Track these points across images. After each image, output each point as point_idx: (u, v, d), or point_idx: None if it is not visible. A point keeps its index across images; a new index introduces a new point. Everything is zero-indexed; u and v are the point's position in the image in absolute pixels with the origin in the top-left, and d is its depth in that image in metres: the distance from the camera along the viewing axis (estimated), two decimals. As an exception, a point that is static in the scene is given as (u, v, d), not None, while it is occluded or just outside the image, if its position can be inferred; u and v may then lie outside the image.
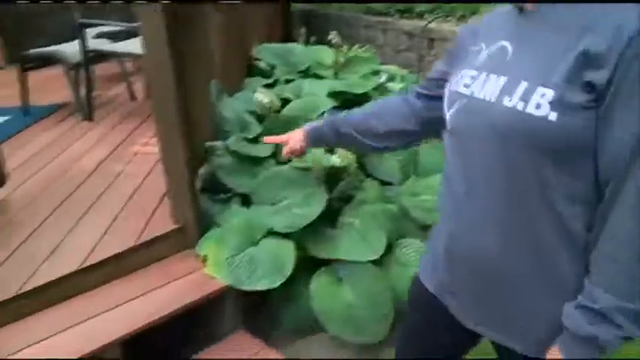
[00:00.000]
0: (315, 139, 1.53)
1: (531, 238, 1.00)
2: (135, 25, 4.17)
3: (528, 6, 1.01)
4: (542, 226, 0.98)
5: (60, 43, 4.03)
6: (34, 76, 4.07)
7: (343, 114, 1.51)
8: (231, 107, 2.78)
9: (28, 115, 3.84)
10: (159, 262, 2.28)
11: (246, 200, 2.48)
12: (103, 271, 2.16)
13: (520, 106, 0.93)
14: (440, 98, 1.16)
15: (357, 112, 1.49)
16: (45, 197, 2.74)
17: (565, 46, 0.92)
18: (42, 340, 1.89)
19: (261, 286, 2.13)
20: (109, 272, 2.17)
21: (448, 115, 1.10)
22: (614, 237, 0.92)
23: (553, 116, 0.90)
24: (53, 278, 2.07)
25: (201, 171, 2.42)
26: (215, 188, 2.46)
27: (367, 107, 1.52)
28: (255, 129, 2.71)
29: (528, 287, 1.03)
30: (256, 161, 2.57)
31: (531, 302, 1.03)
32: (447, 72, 1.19)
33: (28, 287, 2.03)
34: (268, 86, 3.23)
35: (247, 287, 2.13)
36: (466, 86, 1.06)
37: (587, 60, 0.89)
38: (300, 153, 1.60)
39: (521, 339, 1.06)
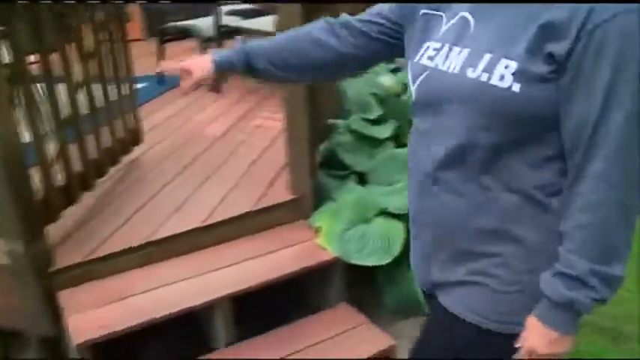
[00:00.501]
0: (223, 70, 1.31)
1: (494, 207, 1.00)
2: (263, 5, 4.38)
3: None
4: (505, 197, 0.99)
5: (196, 18, 4.28)
6: (171, 48, 4.34)
7: (256, 43, 1.32)
8: (355, 87, 2.83)
9: (163, 84, 4.11)
10: (274, 228, 2.38)
11: (362, 179, 2.52)
12: (223, 231, 2.29)
13: (484, 77, 0.93)
14: (375, 40, 1.19)
15: (272, 42, 1.31)
16: (173, 159, 2.94)
17: (527, 17, 0.91)
18: (163, 286, 2.05)
19: (369, 262, 2.17)
20: (228, 232, 2.30)
21: (413, 87, 1.08)
22: (584, 206, 0.93)
23: (516, 87, 0.90)
24: (178, 232, 2.23)
25: (322, 147, 2.49)
26: (333, 164, 2.53)
27: (283, 36, 1.33)
28: (376, 111, 2.74)
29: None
30: (375, 142, 2.61)
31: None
32: (390, 19, 1.17)
33: (156, 237, 2.20)
34: (393, 71, 3.25)
35: (356, 261, 2.17)
36: (430, 58, 1.04)
37: (548, 31, 0.88)
38: (210, 84, 1.37)
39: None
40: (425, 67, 1.05)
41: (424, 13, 1.11)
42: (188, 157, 2.93)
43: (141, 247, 2.16)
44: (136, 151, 2.94)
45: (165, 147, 3.10)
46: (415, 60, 1.09)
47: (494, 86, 0.92)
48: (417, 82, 1.07)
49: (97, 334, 1.83)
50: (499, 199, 1.00)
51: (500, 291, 1.04)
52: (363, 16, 1.24)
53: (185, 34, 4.28)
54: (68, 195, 2.29)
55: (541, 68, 0.90)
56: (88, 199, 2.45)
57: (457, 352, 1.12)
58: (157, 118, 3.53)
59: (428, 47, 1.06)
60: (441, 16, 1.07)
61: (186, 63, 1.32)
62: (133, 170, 2.82)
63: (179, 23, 4.28)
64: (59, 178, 2.23)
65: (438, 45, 1.04)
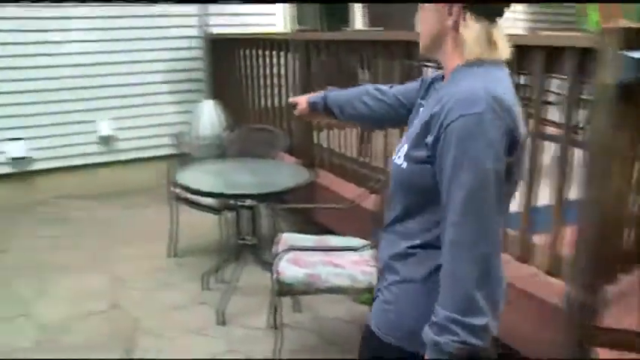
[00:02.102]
0: (312, 109, 1.92)
1: (396, 248, 1.37)
2: None
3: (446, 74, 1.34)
4: (402, 244, 1.36)
5: None
6: None
7: (334, 92, 1.89)
8: None
9: None
10: None
11: None
12: None
13: (398, 161, 1.33)
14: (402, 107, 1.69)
15: (343, 93, 1.87)
16: None
17: (427, 113, 1.26)
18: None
19: None
20: None
21: None
22: (444, 264, 1.20)
23: (404, 165, 1.30)
24: None
25: None
26: None
27: (351, 90, 1.87)
28: None
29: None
30: None
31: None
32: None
33: None
34: None
35: None
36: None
37: (428, 126, 1.24)
38: (307, 116, 1.97)
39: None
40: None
41: (419, 103, 1.46)
42: None
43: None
44: None
45: None
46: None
47: (399, 165, 1.32)
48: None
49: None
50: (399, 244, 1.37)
51: (384, 308, 1.38)
52: (401, 88, 1.71)
53: None
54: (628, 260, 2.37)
55: (420, 153, 1.25)
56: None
57: None
58: None
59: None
60: (422, 105, 1.39)
61: (296, 98, 2.02)
62: None
63: None
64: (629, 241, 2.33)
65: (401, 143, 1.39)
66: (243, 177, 3.38)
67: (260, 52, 4.93)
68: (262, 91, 4.95)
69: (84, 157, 5.75)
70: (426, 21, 1.35)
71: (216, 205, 3.55)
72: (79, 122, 5.64)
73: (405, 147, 1.30)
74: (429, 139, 1.21)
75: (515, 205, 2.42)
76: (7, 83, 5.30)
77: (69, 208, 5.25)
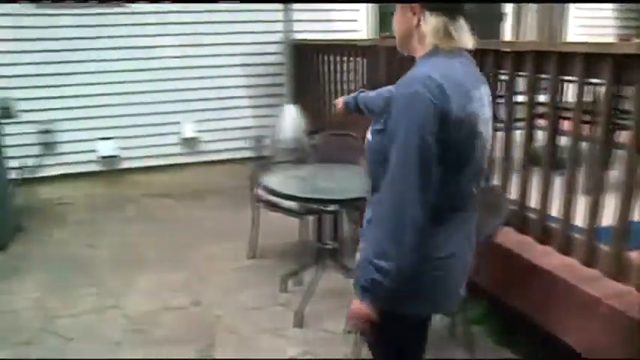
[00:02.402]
0: (346, 108, 2.52)
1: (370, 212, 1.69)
2: None
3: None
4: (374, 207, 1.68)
5: None
6: None
7: (364, 93, 2.46)
8: None
9: None
10: None
11: None
12: None
13: (369, 136, 1.65)
14: None
15: (372, 93, 2.40)
16: None
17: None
18: None
19: None
20: None
21: None
22: (374, 216, 1.61)
23: (370, 138, 1.62)
24: None
25: None
26: None
27: (380, 89, 2.36)
28: None
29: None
30: None
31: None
32: None
33: None
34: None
35: None
36: None
37: (387, 103, 1.55)
38: (343, 115, 2.59)
39: None
40: None
41: None
42: None
43: None
44: None
45: None
46: None
47: (368, 140, 1.64)
48: None
49: None
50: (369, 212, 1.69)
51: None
52: None
53: None
54: None
55: (379, 125, 1.57)
56: None
57: None
58: None
59: None
60: None
61: (338, 99, 2.59)
62: None
63: None
64: None
65: None
66: (327, 182, 3.43)
67: (341, 57, 5.02)
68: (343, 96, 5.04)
69: (168, 157, 6.01)
70: (397, 22, 1.64)
71: (298, 208, 3.62)
72: (164, 124, 5.90)
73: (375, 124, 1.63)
74: (386, 114, 1.53)
75: (608, 218, 2.38)
76: (101, 86, 5.61)
77: (154, 206, 5.48)
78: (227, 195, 5.66)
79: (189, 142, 6.09)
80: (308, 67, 5.81)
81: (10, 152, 5.27)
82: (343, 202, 3.20)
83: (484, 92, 1.59)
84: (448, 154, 1.47)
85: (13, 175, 5.44)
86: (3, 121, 5.31)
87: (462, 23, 1.57)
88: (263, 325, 3.33)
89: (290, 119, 5.57)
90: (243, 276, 3.96)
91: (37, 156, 5.65)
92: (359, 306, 1.55)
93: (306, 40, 5.81)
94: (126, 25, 5.61)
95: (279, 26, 5.71)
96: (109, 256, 4.35)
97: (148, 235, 4.74)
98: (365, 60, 4.56)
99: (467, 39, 1.57)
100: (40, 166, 5.68)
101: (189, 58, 5.89)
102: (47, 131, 5.59)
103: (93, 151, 5.67)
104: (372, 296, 1.51)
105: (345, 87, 5.02)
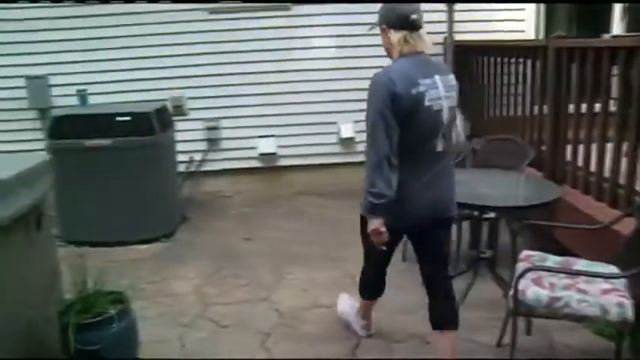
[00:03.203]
0: None
1: None
2: None
3: None
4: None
5: None
6: None
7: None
8: None
9: None
10: None
11: None
12: None
13: None
14: None
15: None
16: None
17: None
18: None
19: None
20: None
21: None
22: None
23: None
24: None
25: None
26: None
27: None
28: None
29: None
30: None
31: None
32: None
33: None
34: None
35: None
36: None
37: None
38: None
39: None
40: None
41: None
42: None
43: None
44: None
45: None
46: None
47: None
48: None
49: None
50: None
51: None
52: None
53: None
54: None
55: None
56: None
57: None
58: None
59: None
60: None
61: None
62: None
63: None
64: None
65: None
66: (487, 188, 3.25)
67: (503, 59, 4.75)
68: (506, 99, 4.74)
69: (325, 157, 6.09)
70: (382, 40, 2.53)
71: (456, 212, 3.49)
72: (322, 123, 5.98)
73: None
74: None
75: None
76: (262, 86, 5.84)
77: (307, 204, 5.59)
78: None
79: (347, 142, 6.11)
80: (468, 69, 5.58)
81: (180, 147, 5.68)
82: (504, 210, 3.00)
83: (439, 79, 2.42)
84: (400, 120, 2.32)
85: (182, 168, 5.85)
86: (176, 118, 5.74)
87: (420, 33, 2.44)
88: (410, 330, 3.23)
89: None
90: (395, 278, 3.83)
91: (203, 151, 6.00)
92: (371, 225, 2.44)
93: (467, 41, 5.59)
94: (285, 27, 5.77)
95: (443, 27, 5.51)
96: (264, 250, 4.49)
97: (300, 232, 4.84)
98: (530, 62, 4.26)
99: (422, 44, 2.45)
100: (205, 160, 6.03)
101: (347, 59, 5.92)
102: (213, 128, 5.92)
103: (253, 148, 5.90)
104: (372, 213, 2.41)
105: (507, 90, 4.74)
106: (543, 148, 3.98)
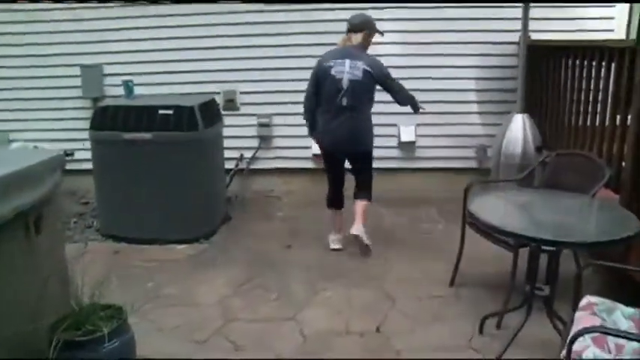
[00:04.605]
0: None
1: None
2: None
3: None
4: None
5: None
6: None
7: None
8: None
9: None
10: None
11: None
12: None
13: None
14: None
15: None
16: None
17: None
18: None
19: None
20: None
21: None
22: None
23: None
24: None
25: None
26: None
27: None
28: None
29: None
30: None
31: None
32: None
33: None
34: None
35: None
36: None
37: None
38: None
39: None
40: None
41: None
42: None
43: None
44: None
45: None
46: None
47: None
48: None
49: None
50: None
51: None
52: None
53: None
54: None
55: None
56: None
57: None
58: None
59: None
60: None
61: None
62: None
63: None
64: None
65: None
66: (550, 215, 2.75)
67: (587, 61, 4.11)
68: (583, 107, 4.12)
69: (382, 161, 5.66)
70: (368, 39, 4.16)
71: (512, 240, 2.99)
72: (381, 125, 5.50)
73: None
74: None
75: None
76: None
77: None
78: (439, 206, 5.20)
79: (406, 147, 5.68)
80: (544, 72, 4.97)
81: (231, 143, 5.43)
82: (563, 245, 2.51)
83: (349, 63, 3.97)
84: (318, 84, 4.05)
85: (231, 165, 5.60)
86: (226, 112, 5.49)
87: (355, 35, 4.10)
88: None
89: (518, 131, 4.76)
90: (438, 306, 3.45)
91: (254, 148, 5.73)
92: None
93: (544, 40, 5.00)
94: (336, 20, 5.36)
95: (517, 24, 4.95)
96: (303, 260, 4.17)
97: (347, 241, 4.47)
98: (619, 65, 3.61)
99: (353, 40, 4.09)
100: (256, 158, 5.76)
101: (414, 57, 5.48)
102: (265, 125, 5.63)
103: (307, 147, 5.55)
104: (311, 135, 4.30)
105: (586, 96, 4.11)
106: (624, 164, 3.38)
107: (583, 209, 2.87)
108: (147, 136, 4.37)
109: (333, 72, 3.95)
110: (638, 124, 3.17)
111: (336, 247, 4.32)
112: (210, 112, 4.71)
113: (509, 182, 3.92)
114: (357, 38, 4.05)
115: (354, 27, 4.06)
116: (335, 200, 4.35)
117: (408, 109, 5.29)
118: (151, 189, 4.45)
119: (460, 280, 3.66)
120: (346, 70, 3.94)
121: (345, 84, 3.94)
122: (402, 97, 4.20)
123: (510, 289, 3.09)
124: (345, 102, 3.96)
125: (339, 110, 4.00)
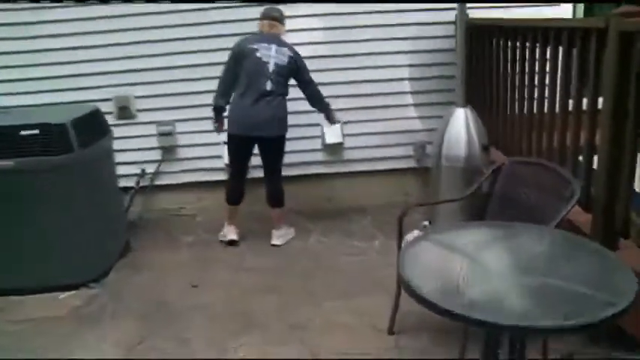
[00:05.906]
0: None
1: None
2: None
3: None
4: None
5: None
6: None
7: None
8: None
9: None
10: None
11: None
12: None
13: None
14: None
15: None
16: None
17: None
18: None
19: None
20: None
21: None
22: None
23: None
24: None
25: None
26: None
27: None
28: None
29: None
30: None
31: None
32: None
33: None
34: None
35: None
36: None
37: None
38: None
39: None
40: None
41: None
42: None
43: None
44: None
45: None
46: None
47: None
48: None
49: None
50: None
51: None
52: None
53: None
54: None
55: None
56: None
57: None
58: None
59: None
60: None
61: None
62: None
63: None
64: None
65: None
66: (509, 276, 1.96)
67: (534, 44, 3.43)
68: (538, 94, 3.44)
69: (306, 166, 4.97)
70: (282, 29, 4.19)
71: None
72: (302, 126, 4.76)
73: None
74: None
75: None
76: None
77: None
78: (375, 216, 4.61)
79: (333, 149, 4.97)
80: (486, 57, 4.30)
81: (128, 157, 4.62)
82: (533, 333, 1.74)
83: (275, 48, 3.98)
84: (237, 67, 3.98)
85: (131, 182, 4.78)
86: (121, 121, 4.66)
87: (272, 23, 4.12)
88: None
89: (461, 128, 3.88)
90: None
91: (157, 161, 4.91)
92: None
93: (485, 19, 4.33)
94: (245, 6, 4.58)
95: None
96: (212, 303, 3.44)
97: (263, 272, 3.76)
98: (581, 49, 2.89)
99: (279, 29, 4.15)
100: (161, 172, 4.94)
101: (334, 44, 4.75)
102: (167, 134, 4.81)
103: (218, 157, 4.78)
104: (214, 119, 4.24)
105: (540, 83, 3.42)
106: (596, 166, 2.72)
107: (554, 259, 2.11)
108: (8, 163, 3.50)
109: (258, 54, 3.91)
110: (613, 121, 2.53)
111: (233, 237, 4.23)
112: (90, 127, 3.85)
113: (453, 202, 3.22)
114: (281, 29, 4.13)
115: (279, 17, 4.13)
116: (237, 195, 4.22)
117: (336, 103, 4.61)
118: (19, 228, 3.60)
119: (401, 324, 2.98)
120: (272, 55, 3.93)
121: (271, 67, 3.92)
122: (314, 90, 4.18)
123: (465, 335, 2.44)
124: (269, 86, 3.92)
125: (262, 94, 3.92)
